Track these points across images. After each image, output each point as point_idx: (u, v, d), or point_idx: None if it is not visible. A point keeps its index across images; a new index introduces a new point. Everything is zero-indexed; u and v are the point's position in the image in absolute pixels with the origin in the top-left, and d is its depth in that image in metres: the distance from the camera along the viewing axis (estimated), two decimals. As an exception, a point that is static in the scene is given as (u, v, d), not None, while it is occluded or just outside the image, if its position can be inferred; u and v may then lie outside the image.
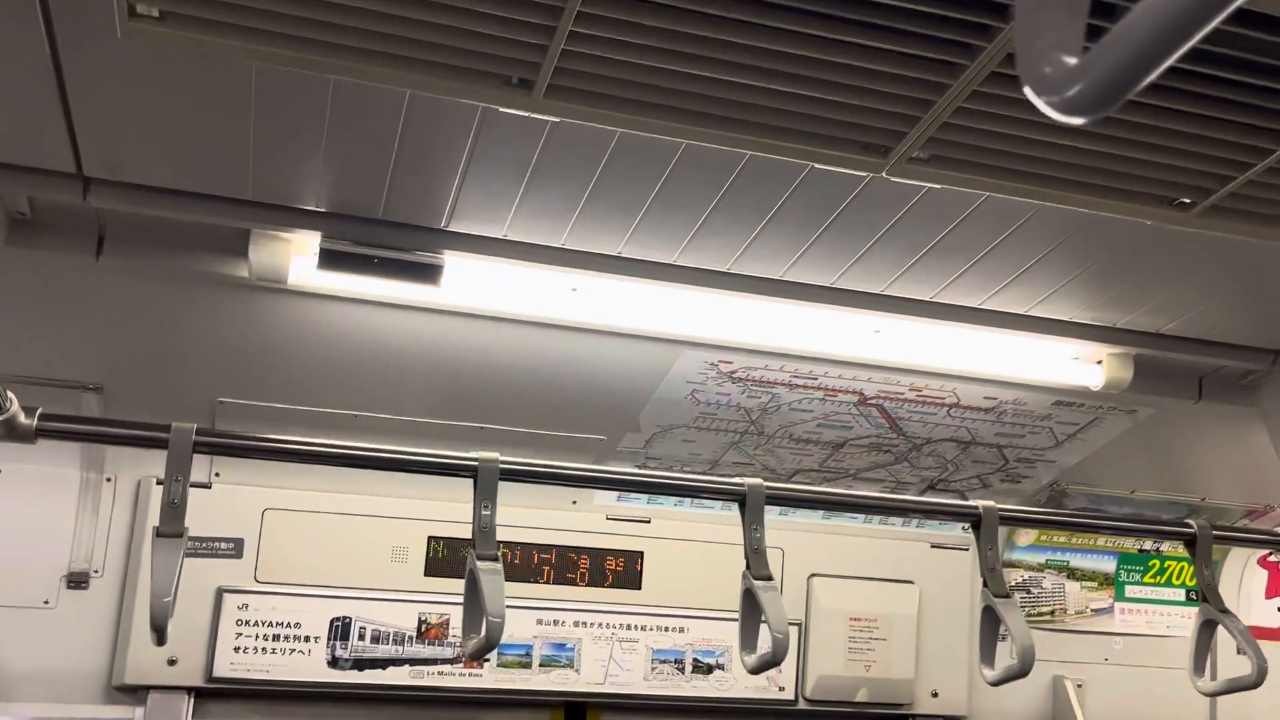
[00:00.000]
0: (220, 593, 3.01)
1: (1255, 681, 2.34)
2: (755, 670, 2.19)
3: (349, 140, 1.94)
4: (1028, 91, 0.61)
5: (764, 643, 2.18)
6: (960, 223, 2.18)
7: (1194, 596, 3.87)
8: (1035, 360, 2.77)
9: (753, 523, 2.24)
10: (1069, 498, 3.49)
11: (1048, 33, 0.58)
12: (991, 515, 2.36)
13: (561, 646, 3.27)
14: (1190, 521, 2.53)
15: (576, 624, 3.29)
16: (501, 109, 1.80)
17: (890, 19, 1.64)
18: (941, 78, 1.73)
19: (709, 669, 3.38)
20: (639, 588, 3.36)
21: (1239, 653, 2.48)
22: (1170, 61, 0.53)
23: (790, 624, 3.42)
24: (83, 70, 1.77)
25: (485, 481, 2.13)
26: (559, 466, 2.27)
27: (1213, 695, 2.49)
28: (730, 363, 2.80)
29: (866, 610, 3.50)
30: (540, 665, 3.25)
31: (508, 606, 3.22)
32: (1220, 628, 2.46)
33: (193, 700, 2.99)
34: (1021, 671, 2.26)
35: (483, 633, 2.02)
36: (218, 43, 1.61)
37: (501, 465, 2.14)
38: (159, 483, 2.06)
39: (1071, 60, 0.57)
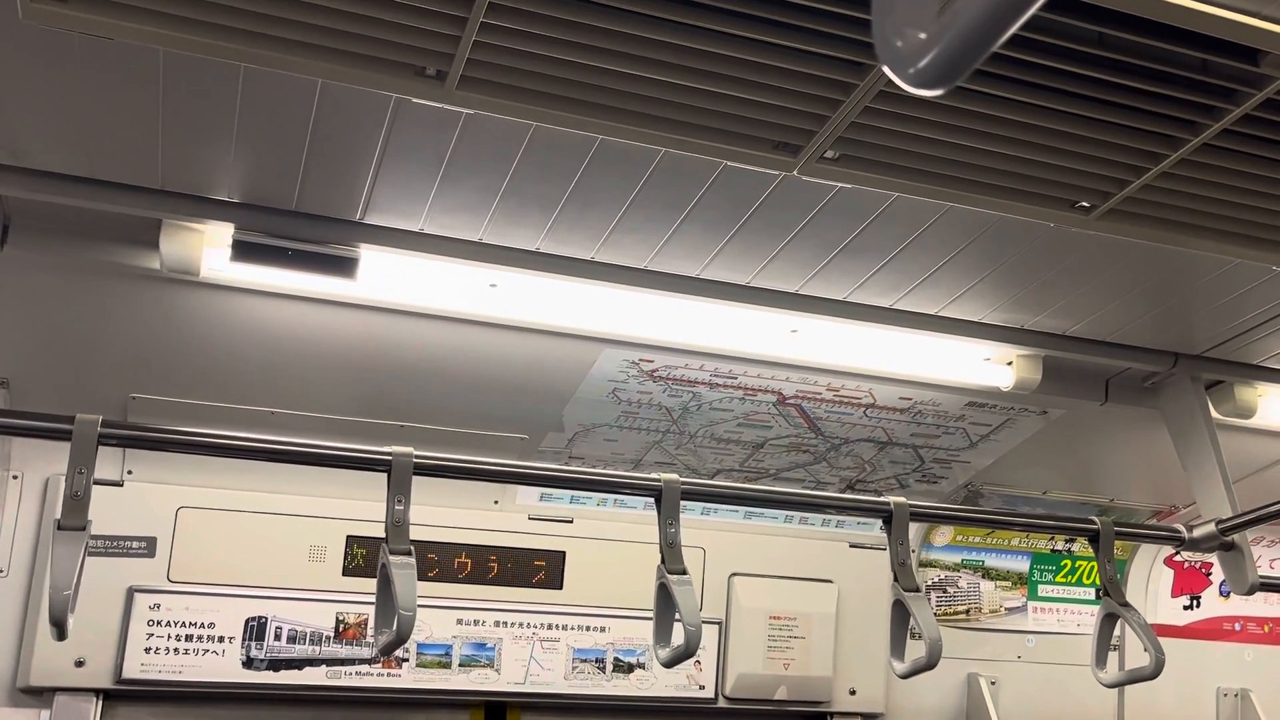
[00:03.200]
0: (131, 592, 2.95)
1: (1153, 673, 2.42)
2: (668, 663, 2.21)
3: (261, 130, 1.93)
4: (885, 69, 0.64)
5: (678, 636, 2.20)
6: (871, 223, 2.22)
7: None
8: (947, 361, 2.83)
9: (668, 518, 2.27)
10: (984, 498, 3.56)
11: (902, 7, 0.61)
12: (902, 511, 2.41)
13: (482, 646, 3.26)
14: (1094, 518, 2.61)
15: (497, 624, 3.28)
16: (415, 100, 1.80)
17: (800, 19, 1.68)
18: (849, 78, 1.77)
19: (630, 668, 3.39)
20: (561, 587, 3.36)
21: (1145, 650, 2.55)
22: (1010, 32, 0.55)
23: (711, 623, 3.49)
24: (-16, 52, 1.73)
25: (399, 475, 2.13)
26: (474, 461, 2.28)
27: (1112, 686, 2.56)
28: (651, 361, 2.83)
29: (786, 609, 3.54)
30: (460, 665, 3.23)
31: (428, 606, 3.22)
32: (1122, 621, 2.53)
33: (101, 702, 2.93)
34: (929, 664, 2.31)
35: (394, 627, 2.01)
36: (122, 26, 1.59)
37: (415, 459, 2.14)
38: (65, 481, 2.01)
39: (922, 35, 0.59)
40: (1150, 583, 4.04)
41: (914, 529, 3.75)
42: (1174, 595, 4.11)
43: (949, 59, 0.57)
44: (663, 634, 2.24)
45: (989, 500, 3.57)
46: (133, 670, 2.93)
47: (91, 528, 1.97)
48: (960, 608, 3.85)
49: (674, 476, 2.29)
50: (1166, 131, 1.91)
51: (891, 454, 3.35)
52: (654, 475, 2.29)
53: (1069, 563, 3.98)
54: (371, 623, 3.03)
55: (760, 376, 2.92)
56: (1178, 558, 4.07)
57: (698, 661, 3.44)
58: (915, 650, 2.39)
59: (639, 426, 3.12)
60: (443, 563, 3.24)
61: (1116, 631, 2.66)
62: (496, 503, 3.32)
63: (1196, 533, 2.71)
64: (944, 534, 3.81)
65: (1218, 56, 1.75)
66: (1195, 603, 4.14)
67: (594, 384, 2.89)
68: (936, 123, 1.86)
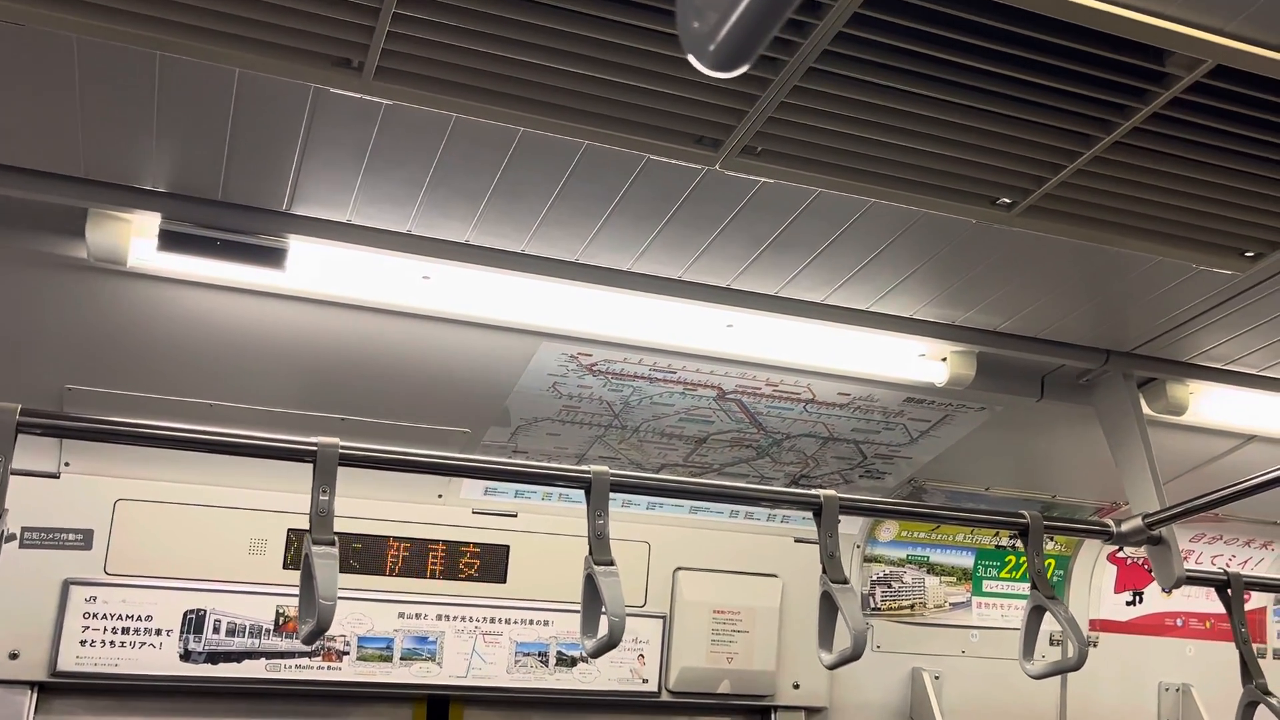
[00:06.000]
0: (67, 585, 2.94)
1: (1076, 664, 2.45)
2: (594, 654, 2.22)
3: (181, 119, 1.93)
4: (689, 55, 0.65)
5: (604, 627, 2.21)
6: (797, 217, 2.24)
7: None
8: (882, 356, 2.85)
9: (597, 509, 2.28)
10: (927, 494, 3.60)
11: (699, -11, 0.62)
12: (831, 503, 2.44)
13: (424, 640, 3.26)
14: (1023, 512, 2.64)
15: (439, 617, 3.28)
16: (333, 90, 1.81)
17: (711, 13, 1.69)
18: (764, 72, 1.79)
19: (573, 662, 3.40)
20: (504, 581, 3.37)
21: (1069, 643, 2.57)
22: (788, 14, 0.56)
23: (655, 616, 3.51)
24: (-104, 37, 1.73)
25: (324, 466, 2.13)
26: (402, 453, 2.28)
27: (1038, 677, 2.59)
28: (589, 355, 2.84)
29: (730, 603, 3.56)
30: (401, 659, 3.23)
31: (369, 599, 3.22)
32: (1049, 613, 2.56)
33: (35, 695, 2.91)
34: (854, 654, 2.34)
35: (315, 617, 2.01)
36: (31, 11, 1.59)
37: (341, 450, 2.14)
38: (-6, 472, 2.00)
39: (715, 16, 0.60)
40: (1094, 578, 4.08)
41: (859, 524, 3.77)
42: (1117, 591, 4.16)
43: (732, 44, 0.58)
44: (590, 624, 2.25)
45: (932, 496, 3.60)
46: (68, 663, 2.91)
47: (9, 516, 1.95)
48: (905, 603, 3.88)
49: (603, 469, 2.30)
50: (1081, 130, 1.94)
51: (835, 449, 3.38)
52: (583, 467, 2.30)
53: (1013, 559, 4.02)
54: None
55: (699, 371, 2.93)
56: (1120, 554, 4.12)
57: (641, 655, 3.46)
58: (845, 642, 2.41)
59: (581, 421, 3.13)
60: (385, 556, 3.24)
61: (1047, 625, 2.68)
62: (440, 496, 3.33)
63: (1124, 527, 2.74)
64: (889, 529, 3.84)
65: (1128, 56, 1.78)
66: (1138, 598, 4.19)
67: (534, 377, 2.90)
68: (854, 118, 1.89)
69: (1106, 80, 1.82)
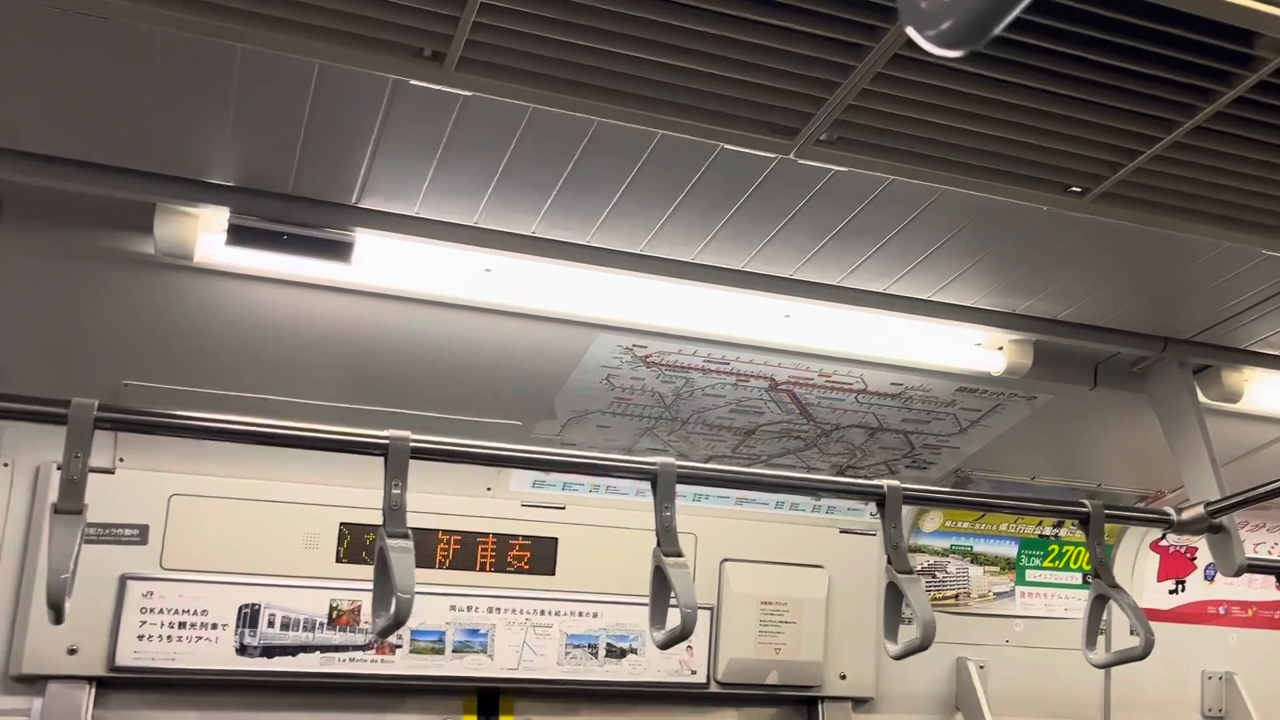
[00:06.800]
0: (124, 580, 2.95)
1: (1143, 653, 2.45)
2: (664, 645, 2.22)
3: (257, 112, 1.92)
4: (909, 30, 0.64)
5: (673, 618, 2.21)
6: (866, 206, 2.23)
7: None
8: (939, 346, 2.84)
9: (664, 501, 2.28)
10: (972, 483, 3.59)
11: (925, -31, 0.61)
12: (895, 493, 2.43)
13: (475, 632, 3.27)
14: (1084, 501, 2.63)
15: (490, 610, 3.28)
16: (412, 81, 1.80)
17: (799, 0, 1.68)
18: (846, 60, 1.78)
19: (622, 653, 3.41)
20: (553, 574, 3.37)
21: (1132, 633, 2.58)
22: (1030, -2, 0.56)
23: (703, 608, 3.50)
24: (-22, 33, 1.72)
25: (396, 459, 2.13)
26: (470, 445, 2.28)
27: (1103, 666, 2.59)
28: (645, 347, 2.83)
29: (777, 594, 3.55)
30: (453, 651, 3.24)
31: (421, 592, 3.22)
32: (1112, 603, 2.56)
33: (94, 690, 2.92)
34: (923, 644, 2.33)
35: (392, 610, 2.01)
36: (118, 5, 1.58)
37: (412, 443, 2.14)
38: (59, 468, 2.01)
39: (949, -5, 0.60)
40: (1136, 567, 4.07)
41: (904, 514, 3.76)
42: (1159, 580, 4.15)
43: (972, 21, 0.58)
44: (658, 616, 2.25)
45: (977, 486, 3.59)
46: (125, 658, 2.92)
47: (87, 512, 1.96)
48: (949, 593, 3.87)
49: (670, 460, 2.30)
50: (1160, 114, 1.92)
51: (882, 440, 3.37)
52: (649, 459, 2.30)
53: (1056, 548, 4.01)
54: (367, 607, 3.04)
55: (753, 362, 2.93)
56: (1163, 542, 4.11)
57: (690, 647, 3.46)
58: (908, 633, 2.41)
59: (631, 413, 3.13)
60: (436, 549, 3.25)
61: (1105, 615, 2.68)
62: (489, 490, 3.33)
63: (1185, 515, 2.73)
64: (933, 519, 3.83)
65: (1212, 38, 1.76)
66: (1180, 587, 4.18)
67: (587, 370, 2.89)
68: (933, 105, 1.88)
69: (1190, 63, 1.81)
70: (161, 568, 2.98)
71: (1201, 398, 3.00)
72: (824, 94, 1.85)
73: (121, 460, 2.98)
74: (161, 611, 2.97)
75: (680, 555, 2.23)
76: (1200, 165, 2.02)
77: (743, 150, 2.00)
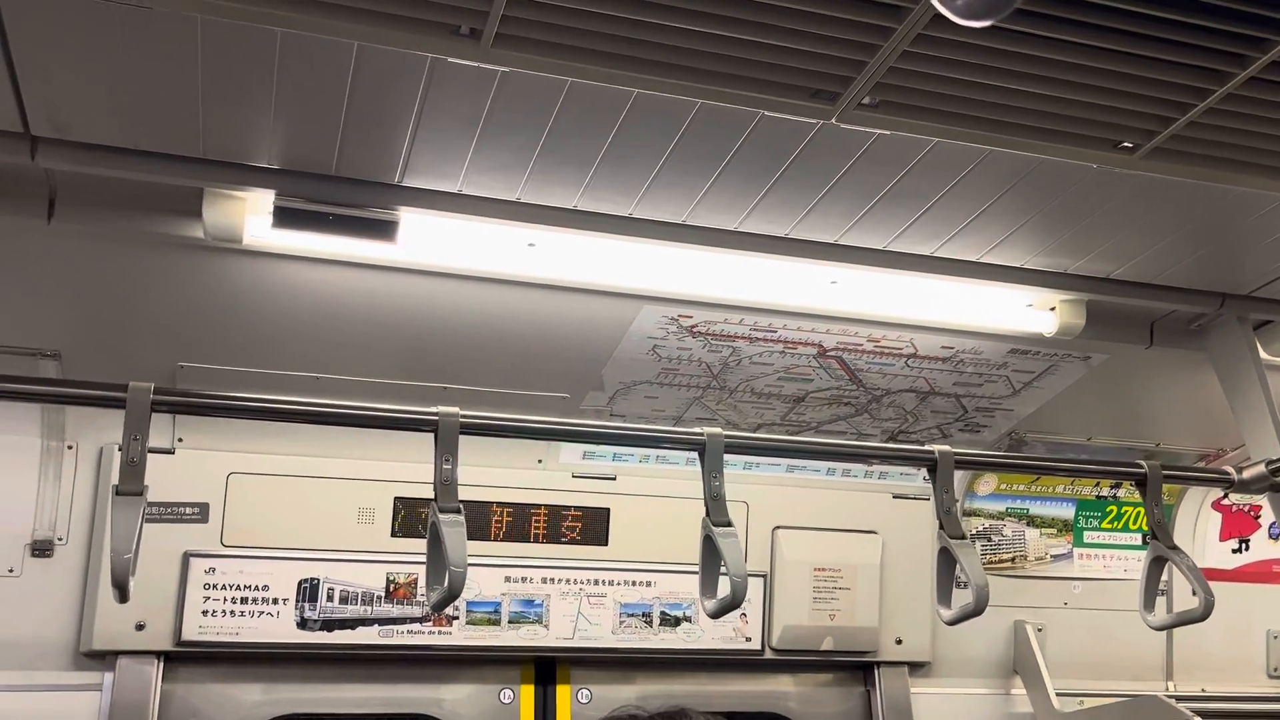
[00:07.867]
0: (187, 557, 3.01)
1: (1202, 614, 2.41)
2: (715, 614, 2.23)
3: (299, 95, 1.94)
4: (934, 2, 0.63)
5: (723, 587, 2.22)
6: (910, 170, 2.20)
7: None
8: (989, 308, 2.81)
9: (712, 471, 2.28)
10: (1027, 446, 3.55)
11: (950, -61, 0.60)
12: (947, 459, 2.41)
13: (530, 603, 3.30)
14: (1140, 462, 2.59)
15: (544, 580, 3.32)
16: (450, 59, 1.80)
17: (834, -37, 1.66)
18: (886, 21, 1.75)
19: (676, 621, 3.43)
20: (606, 544, 3.39)
21: (1194, 594, 2.54)
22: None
23: (756, 576, 3.51)
24: (26, 26, 1.75)
25: (446, 435, 2.15)
26: (519, 420, 2.30)
27: (1161, 628, 2.55)
28: (690, 317, 2.83)
29: (830, 561, 3.55)
30: (509, 622, 3.28)
31: (476, 564, 3.26)
32: (1170, 565, 2.52)
33: (162, 664, 3.00)
34: (977, 610, 2.31)
35: (445, 583, 2.04)
36: (160, -7, 1.60)
37: (462, 419, 2.16)
38: (120, 449, 2.05)
39: (971, -36, 0.58)
40: (1198, 526, 4.01)
41: (958, 478, 3.73)
42: (1222, 539, 4.08)
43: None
44: (709, 586, 2.25)
45: (1032, 448, 3.55)
46: (191, 632, 3.00)
47: (148, 492, 2.00)
48: (1005, 556, 3.84)
49: (717, 430, 2.30)
50: (1212, 65, 1.87)
51: (933, 404, 3.34)
52: (697, 429, 2.30)
53: (1114, 509, 3.96)
54: (423, 581, 3.09)
55: (800, 329, 2.91)
56: (1225, 501, 4.03)
57: (744, 614, 3.47)
58: (962, 598, 2.39)
59: (679, 383, 3.13)
60: (489, 522, 3.28)
61: (1164, 576, 2.64)
62: (540, 462, 3.35)
63: (1246, 474, 2.68)
64: (988, 483, 3.80)
65: (1265, -14, 1.71)
66: (1244, 546, 4.11)
67: (634, 341, 2.90)
68: (975, 65, 1.84)
69: (1242, 13, 1.75)
70: (222, 544, 3.05)
71: (1262, 354, 2.94)
72: (864, 57, 1.82)
73: (181, 440, 3.05)
74: (224, 587, 3.04)
75: (729, 525, 2.23)
76: (1254, 117, 1.97)
77: (784, 116, 1.98)
